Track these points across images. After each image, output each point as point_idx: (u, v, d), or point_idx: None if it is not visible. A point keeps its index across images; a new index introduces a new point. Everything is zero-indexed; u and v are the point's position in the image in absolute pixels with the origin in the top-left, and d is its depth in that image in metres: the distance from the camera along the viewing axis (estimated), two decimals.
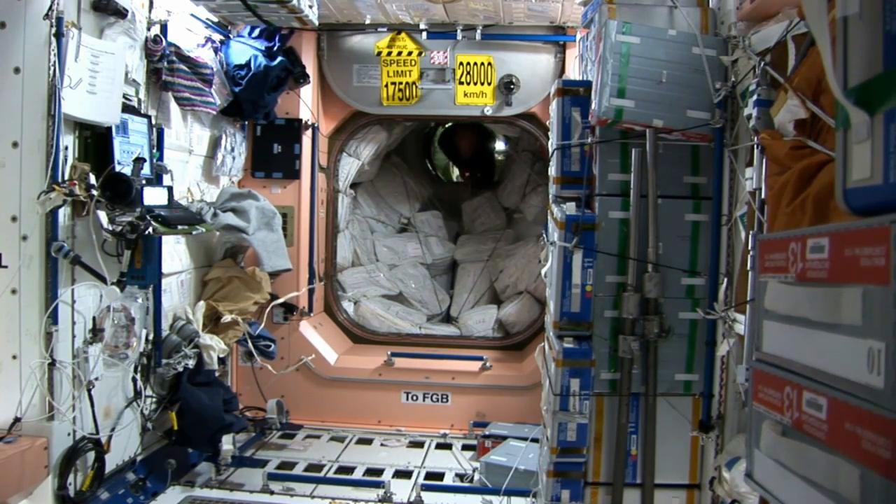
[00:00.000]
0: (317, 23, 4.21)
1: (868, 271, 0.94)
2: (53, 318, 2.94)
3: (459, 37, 4.81)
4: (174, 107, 3.86)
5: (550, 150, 3.39)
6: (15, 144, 2.91)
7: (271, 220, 4.45)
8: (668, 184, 2.95)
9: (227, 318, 4.16)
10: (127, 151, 3.29)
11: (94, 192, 3.00)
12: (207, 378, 3.98)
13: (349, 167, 5.48)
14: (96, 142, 3.18)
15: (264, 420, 4.73)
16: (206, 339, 3.97)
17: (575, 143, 3.10)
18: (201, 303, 4.15)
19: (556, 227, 3.07)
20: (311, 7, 4.01)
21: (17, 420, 2.90)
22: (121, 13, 3.24)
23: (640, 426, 3.03)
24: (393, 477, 4.06)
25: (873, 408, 0.91)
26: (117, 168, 3.17)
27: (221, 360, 4.21)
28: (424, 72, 4.96)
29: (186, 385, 3.80)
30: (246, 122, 4.78)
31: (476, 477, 4.02)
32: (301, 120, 4.89)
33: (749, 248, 2.34)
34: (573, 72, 4.51)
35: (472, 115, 5.14)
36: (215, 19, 4.33)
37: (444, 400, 4.95)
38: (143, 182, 3.28)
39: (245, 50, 4.38)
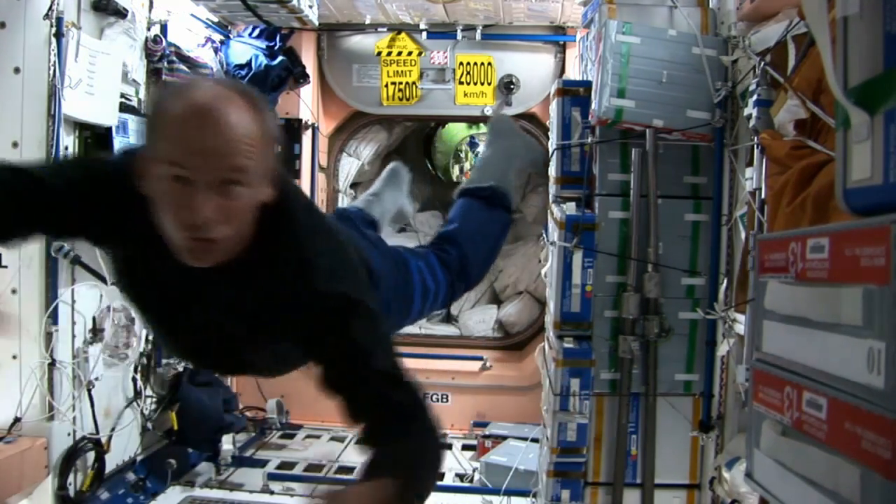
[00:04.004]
0: (317, 23, 4.20)
1: (868, 271, 0.94)
2: (53, 318, 2.94)
3: (459, 37, 4.80)
4: None
5: (550, 150, 3.39)
6: (15, 144, 2.90)
7: None
8: (668, 184, 2.95)
9: None
10: None
11: None
12: (207, 378, 3.98)
13: (349, 167, 5.47)
14: (96, 142, 3.18)
15: (264, 420, 4.73)
16: None
17: (575, 143, 3.09)
18: None
19: (556, 227, 3.07)
20: (311, 7, 4.01)
21: (17, 420, 2.90)
22: (121, 13, 3.24)
23: (640, 426, 3.02)
24: None
25: (873, 408, 0.91)
26: None
27: None
28: (424, 72, 4.95)
29: (186, 385, 3.80)
30: None
31: (476, 477, 4.01)
32: (301, 120, 4.88)
33: (749, 248, 2.34)
34: (573, 72, 4.51)
35: (472, 115, 5.14)
36: (215, 19, 4.32)
37: (444, 400, 4.94)
38: None
39: (246, 49, 4.38)
